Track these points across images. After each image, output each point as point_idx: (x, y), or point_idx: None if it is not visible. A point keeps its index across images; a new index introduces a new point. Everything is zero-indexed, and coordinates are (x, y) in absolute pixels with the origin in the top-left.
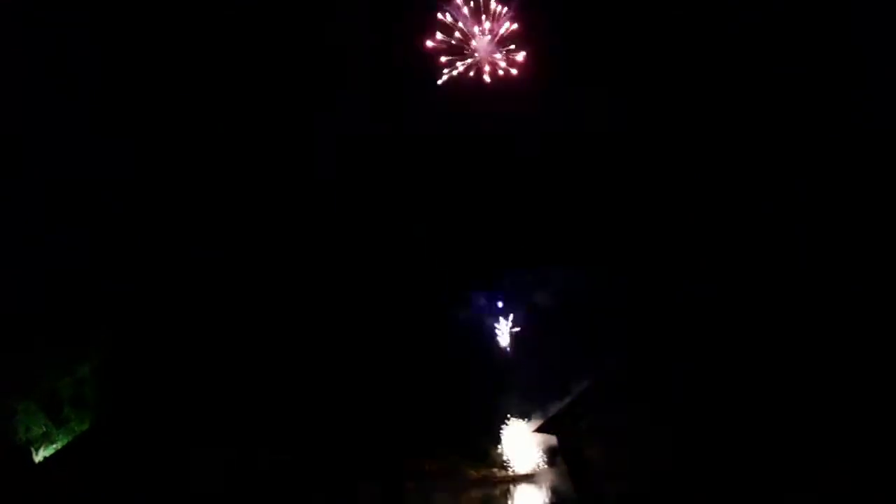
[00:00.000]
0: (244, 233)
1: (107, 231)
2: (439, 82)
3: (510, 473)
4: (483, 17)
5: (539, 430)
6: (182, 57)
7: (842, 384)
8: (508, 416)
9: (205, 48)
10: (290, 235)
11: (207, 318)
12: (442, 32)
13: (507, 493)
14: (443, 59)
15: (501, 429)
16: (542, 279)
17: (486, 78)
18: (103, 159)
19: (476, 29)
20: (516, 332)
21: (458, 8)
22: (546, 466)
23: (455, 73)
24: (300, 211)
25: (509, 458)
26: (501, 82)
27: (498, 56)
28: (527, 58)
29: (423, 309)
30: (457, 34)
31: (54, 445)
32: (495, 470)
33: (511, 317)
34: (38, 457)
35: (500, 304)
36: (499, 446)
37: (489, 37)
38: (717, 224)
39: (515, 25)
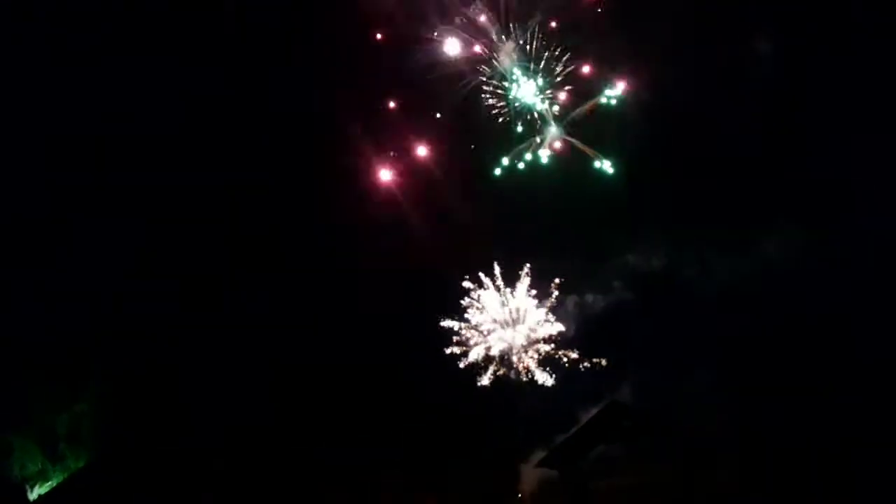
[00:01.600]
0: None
1: (107, 268)
2: None
3: None
4: None
5: (541, 463)
6: None
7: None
8: (510, 449)
9: None
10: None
11: (206, 356)
12: None
13: None
14: None
15: (503, 463)
16: None
17: None
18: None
19: None
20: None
21: None
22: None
23: None
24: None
25: (512, 493)
26: None
27: None
28: None
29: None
30: None
31: (49, 483)
32: None
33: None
34: (33, 494)
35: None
36: (502, 482)
37: None
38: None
39: None
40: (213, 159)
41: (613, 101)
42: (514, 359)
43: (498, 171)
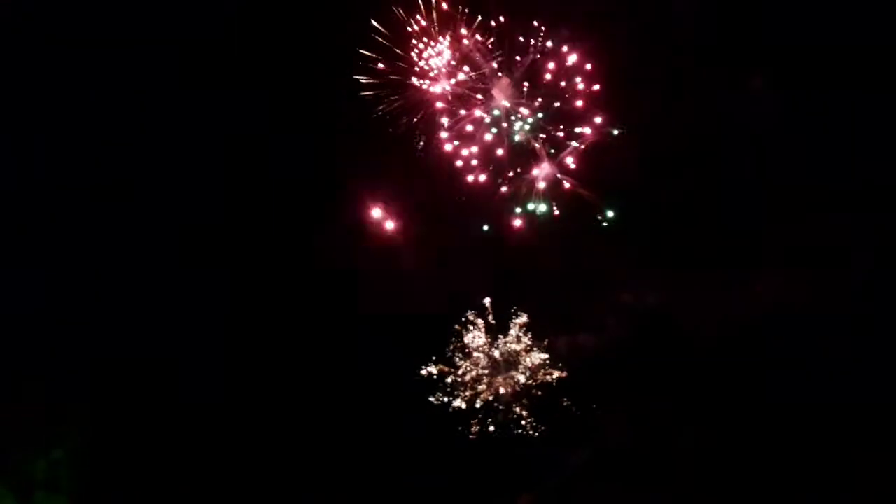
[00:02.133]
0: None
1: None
2: None
3: None
4: None
5: None
6: None
7: None
8: (499, 495)
9: None
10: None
11: (190, 399)
12: None
13: None
14: None
15: None
16: None
17: None
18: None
19: None
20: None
21: None
22: None
23: None
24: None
25: None
26: None
27: None
28: None
29: None
30: None
31: None
32: None
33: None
34: None
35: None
36: None
37: None
38: None
39: None
40: (212, 159)
41: (614, 134)
42: (503, 407)
43: (486, 227)
